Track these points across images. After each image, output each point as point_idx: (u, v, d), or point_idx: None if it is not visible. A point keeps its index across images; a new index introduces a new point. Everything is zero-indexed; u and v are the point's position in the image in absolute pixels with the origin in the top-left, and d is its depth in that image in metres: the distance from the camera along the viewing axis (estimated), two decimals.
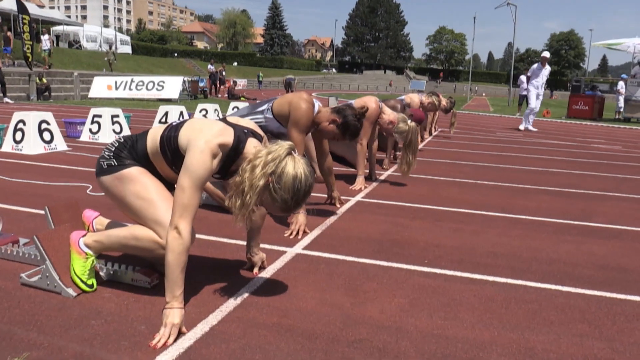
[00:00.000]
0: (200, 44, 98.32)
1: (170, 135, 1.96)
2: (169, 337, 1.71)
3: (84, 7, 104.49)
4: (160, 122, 7.85)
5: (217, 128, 1.90)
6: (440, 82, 72.63)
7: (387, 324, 1.92)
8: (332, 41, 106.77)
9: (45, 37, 19.99)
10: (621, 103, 17.24)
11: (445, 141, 8.70)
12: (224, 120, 2.03)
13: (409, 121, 4.42)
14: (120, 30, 71.11)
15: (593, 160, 7.06)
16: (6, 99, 14.14)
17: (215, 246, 2.74)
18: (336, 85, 57.67)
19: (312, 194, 1.89)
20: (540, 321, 2.01)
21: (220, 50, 70.50)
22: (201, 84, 21.94)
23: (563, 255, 2.83)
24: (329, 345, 1.75)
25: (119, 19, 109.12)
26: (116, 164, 2.03)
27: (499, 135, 10.27)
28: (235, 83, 25.17)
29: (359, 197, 4.10)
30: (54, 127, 5.95)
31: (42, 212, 2.93)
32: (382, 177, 5.06)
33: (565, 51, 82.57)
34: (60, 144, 5.98)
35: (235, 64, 56.59)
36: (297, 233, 2.97)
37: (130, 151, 2.05)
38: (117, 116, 6.97)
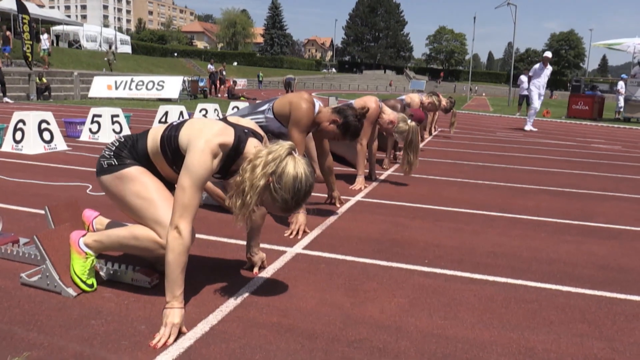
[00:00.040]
0: (200, 44, 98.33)
1: (171, 134, 1.96)
2: (169, 337, 1.71)
3: (83, 7, 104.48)
4: (160, 122, 7.85)
5: (218, 128, 1.90)
6: (441, 82, 72.64)
7: (387, 324, 1.92)
8: (332, 41, 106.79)
9: (44, 37, 19.99)
10: (621, 103, 17.25)
11: (445, 141, 8.70)
12: (224, 120, 2.03)
13: (409, 121, 4.42)
14: (120, 30, 71.09)
15: (593, 160, 7.06)
16: (6, 99, 14.14)
17: (215, 246, 2.74)
18: (336, 85, 57.66)
19: (312, 194, 1.88)
20: (540, 321, 2.01)
21: (220, 50, 70.51)
22: (201, 84, 21.95)
23: (563, 255, 2.83)
24: (329, 345, 1.75)
25: (119, 19, 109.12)
26: (116, 163, 2.03)
27: (499, 135, 10.27)
28: (235, 83, 25.16)
29: (359, 197, 4.10)
30: (53, 126, 5.95)
31: (42, 211, 2.93)
32: (382, 177, 5.06)
33: (565, 51, 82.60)
34: (60, 144, 5.98)
35: (235, 63, 56.59)
36: (297, 233, 2.97)
37: (131, 151, 2.05)
38: (117, 116, 6.97)
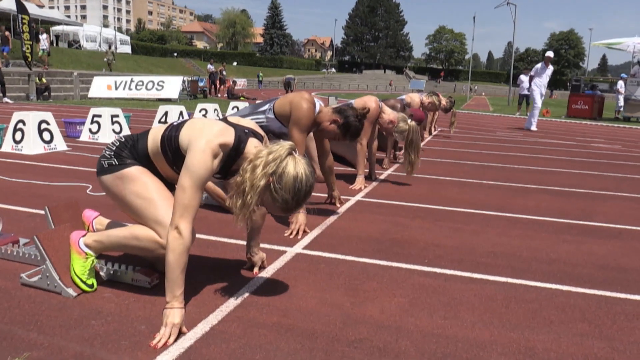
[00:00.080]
0: (200, 44, 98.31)
1: (171, 135, 1.96)
2: (169, 337, 1.71)
3: (83, 7, 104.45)
4: (160, 122, 7.85)
5: (218, 128, 1.90)
6: (441, 81, 72.64)
7: (387, 324, 1.92)
8: (331, 41, 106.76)
9: (43, 37, 19.98)
10: (621, 102, 17.25)
11: (445, 141, 8.70)
12: (224, 120, 2.03)
13: (409, 120, 4.42)
14: (119, 30, 71.05)
15: (593, 160, 7.06)
16: (6, 99, 14.14)
17: (215, 246, 2.74)
18: (336, 84, 57.66)
19: (312, 194, 1.89)
20: (540, 320, 2.01)
21: (219, 50, 70.48)
22: (201, 84, 21.95)
23: (563, 255, 2.83)
24: (329, 345, 1.75)
25: (119, 19, 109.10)
26: (117, 163, 2.03)
27: (499, 135, 10.27)
28: (234, 83, 25.16)
29: (359, 197, 4.10)
30: (53, 127, 5.95)
31: (42, 212, 2.93)
32: (382, 177, 5.06)
33: (565, 50, 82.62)
34: (60, 144, 5.98)
35: (235, 63, 56.57)
36: (297, 233, 2.98)
37: (131, 151, 2.05)
38: (117, 116, 6.97)
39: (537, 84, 11.42)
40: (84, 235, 2.11)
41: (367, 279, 2.37)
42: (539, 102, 11.45)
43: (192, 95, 19.13)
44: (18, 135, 5.71)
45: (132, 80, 17.91)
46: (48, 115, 5.97)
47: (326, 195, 3.77)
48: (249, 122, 2.09)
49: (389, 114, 4.49)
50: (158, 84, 17.66)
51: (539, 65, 11.47)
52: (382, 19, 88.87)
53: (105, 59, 25.92)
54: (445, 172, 5.45)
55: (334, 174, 3.61)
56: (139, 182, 2.00)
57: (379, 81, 65.38)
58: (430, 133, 9.40)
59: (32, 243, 2.37)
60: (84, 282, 2.05)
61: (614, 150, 8.45)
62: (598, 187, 4.99)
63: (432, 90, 7.80)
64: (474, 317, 2.01)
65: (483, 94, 54.43)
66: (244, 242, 2.51)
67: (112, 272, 2.18)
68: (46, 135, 5.84)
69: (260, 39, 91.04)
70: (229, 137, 1.90)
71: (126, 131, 6.97)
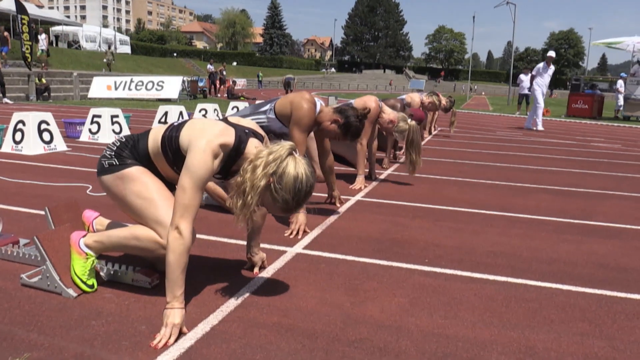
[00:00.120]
0: (200, 44, 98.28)
1: (172, 135, 1.96)
2: (169, 337, 1.71)
3: (83, 7, 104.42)
4: (159, 122, 7.85)
5: (218, 128, 1.90)
6: (441, 81, 72.65)
7: (387, 323, 1.92)
8: (331, 40, 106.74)
9: (42, 37, 19.97)
10: (620, 102, 17.25)
11: (445, 140, 8.70)
12: (225, 120, 2.03)
13: (409, 120, 4.42)
14: (119, 30, 71.06)
15: (593, 159, 7.06)
16: (5, 100, 14.13)
17: (216, 246, 2.74)
18: (335, 84, 57.65)
19: (312, 194, 1.89)
20: (540, 320, 2.01)
21: (219, 50, 70.48)
22: (200, 84, 21.94)
23: (563, 254, 2.83)
24: (330, 345, 1.75)
25: (118, 19, 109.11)
26: (117, 163, 2.03)
27: (499, 135, 10.28)
28: (234, 83, 25.16)
29: (359, 197, 4.10)
30: (53, 127, 5.95)
31: (42, 212, 2.93)
32: (382, 177, 5.06)
33: (564, 50, 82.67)
34: (59, 145, 5.98)
35: (235, 63, 56.58)
36: (297, 232, 2.98)
37: (132, 151, 2.05)
38: (117, 116, 6.97)
39: (539, 83, 11.42)
40: (84, 236, 2.11)
41: (367, 278, 2.37)
42: (541, 101, 11.44)
43: (191, 95, 19.13)
44: (18, 136, 5.71)
45: (131, 81, 17.91)
46: (48, 116, 5.97)
47: (326, 195, 3.77)
48: (249, 123, 2.09)
49: (389, 113, 4.50)
50: (158, 84, 17.65)
51: (540, 64, 11.47)
52: (382, 19, 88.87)
53: (104, 60, 25.92)
54: (445, 172, 5.45)
55: (334, 174, 3.61)
56: (140, 182, 2.00)
57: (378, 81, 65.38)
58: (430, 133, 9.40)
59: (32, 243, 2.37)
60: (84, 283, 2.05)
61: (614, 149, 8.45)
62: (598, 186, 4.99)
63: (432, 90, 7.80)
64: (474, 317, 2.01)
65: (483, 93, 54.45)
66: (244, 242, 2.51)
67: (112, 272, 2.18)
68: (46, 136, 5.84)
69: (259, 39, 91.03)
70: (230, 137, 1.90)
71: (126, 131, 6.97)
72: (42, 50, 19.90)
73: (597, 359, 1.74)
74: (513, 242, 3.02)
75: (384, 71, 78.26)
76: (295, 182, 1.78)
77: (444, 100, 7.82)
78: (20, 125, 5.71)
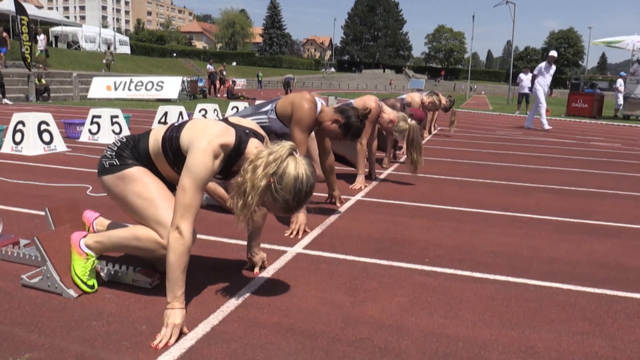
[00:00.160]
0: (199, 44, 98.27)
1: (172, 135, 1.97)
2: (170, 338, 1.71)
3: (82, 8, 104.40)
4: (159, 122, 7.85)
5: (219, 128, 1.90)
6: (441, 80, 72.65)
7: (387, 323, 1.92)
8: (331, 40, 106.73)
9: (40, 38, 19.95)
10: (620, 101, 17.25)
11: (445, 140, 8.70)
12: (225, 120, 2.04)
13: (409, 120, 4.42)
14: (119, 30, 71.06)
15: (592, 158, 7.06)
16: (5, 100, 14.13)
17: (216, 246, 2.74)
18: (335, 84, 57.66)
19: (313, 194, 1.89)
20: (541, 319, 2.01)
21: (219, 50, 70.50)
22: (200, 84, 21.94)
23: (563, 254, 2.83)
24: (330, 345, 1.75)
25: (118, 20, 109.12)
26: (118, 163, 2.03)
27: (499, 134, 10.28)
28: (234, 83, 25.16)
29: (359, 196, 4.10)
30: (53, 128, 5.95)
31: (42, 213, 2.93)
32: (381, 176, 5.06)
33: (564, 49, 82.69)
34: (59, 145, 5.98)
35: (234, 63, 56.57)
36: (298, 232, 2.98)
37: (133, 151, 2.05)
38: (117, 117, 6.97)
39: (541, 83, 11.42)
40: (84, 236, 2.11)
41: (367, 278, 2.37)
42: (543, 101, 11.44)
43: (191, 95, 19.13)
44: (18, 137, 5.71)
45: (131, 81, 17.91)
46: (48, 116, 5.97)
47: (326, 194, 3.77)
48: (249, 123, 2.09)
49: (389, 113, 4.50)
50: (157, 85, 17.65)
51: (542, 64, 11.46)
52: (381, 18, 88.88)
53: (103, 60, 25.91)
54: (445, 171, 5.45)
55: (334, 174, 3.62)
56: (140, 183, 2.00)
57: (378, 80, 65.40)
58: (430, 132, 9.41)
59: (33, 244, 2.37)
60: (85, 283, 2.05)
61: (614, 148, 8.46)
62: (598, 185, 4.99)
63: (432, 90, 7.80)
64: (475, 317, 2.01)
65: (482, 92, 54.46)
66: (245, 242, 2.51)
67: (112, 272, 2.18)
68: (46, 136, 5.84)
69: (259, 39, 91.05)
70: (230, 137, 1.90)
71: (126, 132, 6.97)
72: (41, 50, 19.89)
73: (597, 358, 1.74)
74: (513, 242, 3.02)
75: (384, 71, 78.27)
76: (296, 182, 1.78)
77: (443, 100, 7.82)
78: (20, 126, 5.71)
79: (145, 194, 1.98)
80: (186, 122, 2.01)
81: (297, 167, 1.79)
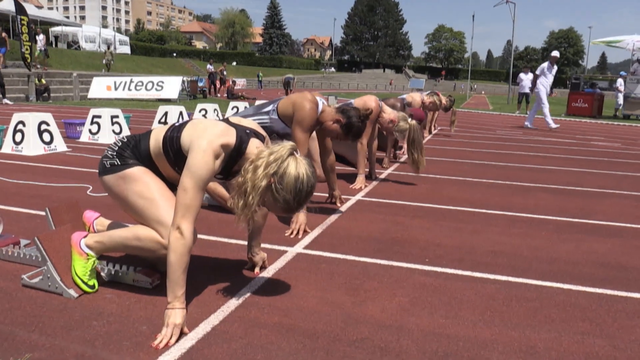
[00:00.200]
0: (199, 44, 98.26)
1: (173, 135, 1.97)
2: (170, 338, 1.71)
3: (82, 8, 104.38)
4: (159, 122, 7.85)
5: (220, 128, 1.90)
6: (441, 80, 72.65)
7: (388, 323, 1.93)
8: (331, 40, 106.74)
9: (39, 38, 19.94)
10: (620, 100, 17.25)
11: (445, 140, 8.71)
12: (226, 120, 2.04)
13: (409, 119, 4.42)
14: (119, 30, 71.09)
15: (592, 158, 7.06)
16: (5, 100, 14.13)
17: (216, 246, 2.74)
18: (335, 84, 57.66)
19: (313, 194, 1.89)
20: (541, 319, 2.01)
21: (219, 50, 70.50)
22: (200, 84, 21.95)
23: (563, 254, 2.83)
24: (331, 345, 1.75)
25: (118, 19, 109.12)
26: (119, 163, 2.03)
27: (499, 134, 10.28)
28: (234, 83, 25.17)
29: (359, 196, 4.10)
30: (53, 128, 5.95)
31: (43, 213, 2.93)
32: (382, 176, 5.06)
33: (564, 49, 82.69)
34: (60, 145, 5.98)
35: (235, 63, 56.58)
36: (298, 232, 2.98)
37: (134, 151, 2.06)
38: (117, 117, 6.97)
39: (544, 83, 11.42)
40: (85, 236, 2.11)
41: (367, 278, 2.37)
42: (546, 101, 11.43)
43: (191, 95, 19.13)
44: (18, 137, 5.71)
45: (131, 81, 17.91)
46: (48, 116, 5.97)
47: (327, 194, 3.77)
48: (250, 123, 2.09)
49: (389, 113, 4.50)
50: (157, 85, 17.65)
51: (544, 65, 11.45)
52: (381, 18, 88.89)
53: (103, 60, 25.90)
54: (446, 171, 5.45)
55: (335, 173, 3.62)
56: (141, 183, 2.00)
57: (378, 80, 65.40)
58: (430, 132, 9.41)
59: (33, 244, 2.37)
60: (85, 283, 2.06)
61: (614, 148, 8.46)
62: (598, 185, 4.99)
63: (432, 90, 7.80)
64: (475, 316, 2.01)
65: (483, 92, 54.47)
66: (245, 242, 2.51)
67: (113, 272, 2.18)
68: (46, 137, 5.85)
69: (259, 39, 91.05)
70: (231, 137, 1.90)
71: (126, 132, 6.97)
72: (40, 50, 19.89)
73: (597, 358, 1.74)
74: (513, 242, 3.02)
75: (384, 70, 78.29)
76: (296, 182, 1.78)
77: (444, 100, 7.83)
78: (20, 126, 5.72)
79: (146, 193, 1.98)
80: (187, 122, 2.01)
81: (297, 167, 1.79)
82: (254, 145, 1.94)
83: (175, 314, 1.75)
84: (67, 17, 58.00)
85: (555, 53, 11.46)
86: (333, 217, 3.41)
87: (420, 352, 1.72)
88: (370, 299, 2.14)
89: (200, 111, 8.90)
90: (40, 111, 7.03)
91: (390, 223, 3.34)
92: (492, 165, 6.10)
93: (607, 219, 3.63)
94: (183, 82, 18.43)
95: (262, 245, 2.56)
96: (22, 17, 17.65)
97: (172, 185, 2.09)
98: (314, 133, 3.39)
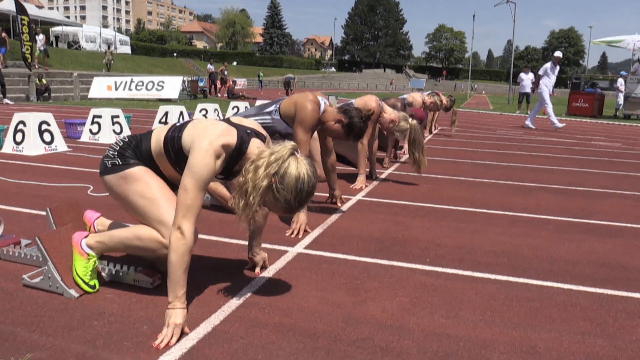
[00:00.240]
0: (200, 44, 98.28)
1: (174, 135, 1.97)
2: (171, 338, 1.71)
3: (82, 8, 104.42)
4: (160, 122, 7.85)
5: (221, 129, 1.90)
6: (441, 80, 72.64)
7: (389, 323, 1.93)
8: (331, 40, 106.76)
9: (39, 37, 19.95)
10: (621, 100, 17.23)
11: (446, 139, 8.70)
12: (227, 120, 2.04)
13: (409, 119, 4.42)
14: (119, 30, 71.13)
15: (593, 158, 7.06)
16: (6, 100, 14.14)
17: (217, 246, 2.74)
18: (336, 84, 57.66)
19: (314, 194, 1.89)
20: (542, 319, 2.01)
21: (219, 50, 70.49)
22: (201, 84, 21.95)
23: (564, 253, 2.83)
24: (331, 345, 1.75)
25: (118, 19, 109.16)
26: (120, 163, 2.04)
27: (499, 133, 10.27)
28: (234, 82, 25.17)
29: (359, 196, 4.10)
30: (54, 128, 5.96)
31: (44, 213, 2.94)
32: (382, 176, 5.06)
33: (565, 48, 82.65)
34: (60, 145, 5.98)
35: (235, 63, 56.58)
36: (298, 232, 2.98)
37: (135, 151, 2.06)
38: (117, 116, 6.97)
39: (547, 84, 11.42)
40: (86, 236, 2.11)
41: (368, 278, 2.37)
42: (549, 101, 11.42)
43: (192, 95, 19.13)
44: (19, 137, 5.71)
45: (132, 81, 17.92)
46: (48, 116, 5.97)
47: (327, 194, 3.77)
48: (251, 123, 2.09)
49: (389, 113, 4.50)
50: (158, 84, 17.66)
51: (547, 65, 11.45)
52: (382, 18, 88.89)
53: (103, 60, 25.90)
54: (446, 171, 5.45)
55: (335, 173, 3.62)
56: (142, 182, 2.00)
57: (378, 80, 65.39)
58: (430, 132, 9.41)
59: (34, 244, 2.37)
60: (86, 283, 2.06)
61: (614, 148, 8.45)
62: (598, 185, 4.99)
63: (432, 90, 7.80)
64: (476, 316, 2.01)
65: (483, 92, 54.48)
66: (246, 242, 2.51)
67: (114, 272, 2.18)
68: (47, 136, 5.85)
69: (259, 39, 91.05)
70: (232, 137, 1.90)
71: (127, 132, 6.97)
72: (40, 50, 19.90)
73: (598, 358, 1.74)
74: (514, 241, 3.02)
75: (384, 70, 78.25)
76: (297, 183, 1.78)
77: (445, 100, 7.82)
78: (20, 126, 5.72)
79: (147, 193, 1.98)
80: (188, 122, 2.01)
81: (298, 167, 1.79)
82: (254, 145, 1.94)
83: (176, 314, 1.75)
84: (68, 17, 58.02)
85: (558, 53, 11.46)
86: (333, 217, 3.41)
87: (420, 352, 1.72)
88: (370, 299, 2.14)
89: (200, 111, 8.90)
90: (41, 111, 7.03)
91: (390, 223, 3.34)
92: (493, 165, 6.10)
93: (607, 219, 3.63)
94: (183, 82, 18.44)
95: (263, 245, 2.56)
96: (23, 17, 17.67)
97: (173, 185, 2.09)
98: (315, 133, 3.40)
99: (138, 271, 2.16)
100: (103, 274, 2.18)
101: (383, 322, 1.93)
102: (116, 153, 2.06)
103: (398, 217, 3.49)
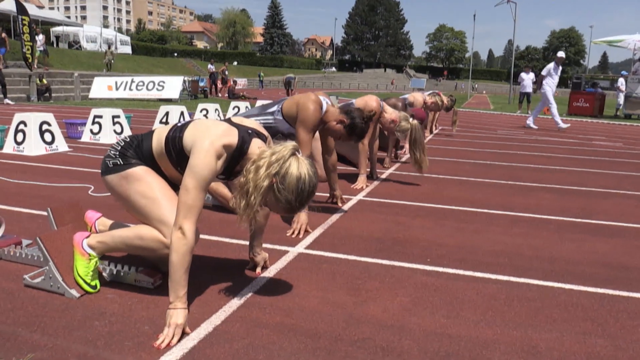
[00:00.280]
0: (200, 44, 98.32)
1: (175, 135, 1.97)
2: (172, 338, 1.71)
3: (83, 8, 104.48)
4: (161, 122, 7.86)
5: (222, 129, 1.90)
6: (442, 79, 72.62)
7: (389, 323, 1.93)
8: (332, 40, 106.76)
9: (39, 38, 19.95)
10: (621, 100, 17.22)
11: (446, 139, 8.70)
12: (228, 120, 2.04)
13: (410, 119, 4.42)
14: (120, 30, 71.14)
15: (594, 158, 7.06)
16: (7, 100, 14.15)
17: (218, 246, 2.74)
18: (336, 84, 57.66)
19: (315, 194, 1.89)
20: (543, 319, 2.01)
21: (220, 50, 70.49)
22: (201, 84, 21.96)
23: (565, 253, 2.83)
24: (332, 344, 1.75)
25: (119, 19, 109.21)
26: (122, 163, 2.04)
27: (500, 133, 10.27)
28: (235, 82, 25.17)
29: (360, 196, 4.10)
30: (55, 128, 5.96)
31: (45, 213, 2.94)
32: (383, 176, 5.06)
33: (565, 48, 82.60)
34: (61, 145, 5.99)
35: (235, 63, 56.59)
36: (299, 232, 2.98)
37: (136, 151, 2.06)
38: (118, 117, 6.97)
39: (550, 84, 11.41)
40: (87, 236, 2.11)
41: (369, 278, 2.37)
42: (553, 101, 11.42)
43: (192, 95, 19.14)
44: (19, 137, 5.72)
45: (132, 81, 17.93)
46: (49, 116, 5.97)
47: (328, 194, 3.77)
48: (252, 123, 2.09)
49: (390, 113, 4.49)
50: (159, 84, 17.67)
51: (551, 65, 11.44)
52: (382, 18, 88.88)
53: (104, 60, 25.91)
54: (447, 171, 5.45)
55: (336, 173, 3.62)
56: (144, 182, 2.00)
57: (379, 80, 65.38)
58: (431, 132, 9.41)
59: (35, 244, 2.37)
60: (87, 283, 2.06)
61: (615, 148, 8.45)
62: (599, 185, 4.98)
63: (433, 90, 7.80)
64: (477, 316, 2.01)
65: (484, 92, 54.44)
66: (247, 242, 2.51)
67: (115, 273, 2.18)
68: (47, 137, 5.85)
69: (260, 39, 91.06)
70: (233, 137, 1.90)
71: (127, 132, 6.98)
72: (40, 50, 19.90)
73: (599, 358, 1.74)
74: (515, 241, 3.02)
75: (385, 70, 78.24)
76: (298, 183, 1.78)
77: (445, 100, 7.83)
78: (21, 126, 5.72)
79: (148, 193, 1.98)
80: (189, 122, 2.01)
81: (299, 168, 1.79)
82: (255, 146, 1.94)
83: (177, 314, 1.75)
84: (68, 17, 58.03)
85: (561, 54, 11.47)
86: (334, 217, 3.41)
87: (421, 352, 1.72)
88: (371, 299, 2.14)
89: (201, 111, 8.90)
90: (42, 111, 7.04)
91: (391, 223, 3.34)
92: (494, 165, 6.09)
93: (608, 219, 3.63)
94: (184, 82, 18.45)
95: (264, 245, 2.56)
96: (24, 17, 17.67)
97: (175, 186, 2.09)
98: (316, 133, 3.40)
99: (139, 271, 2.16)
100: (104, 274, 2.18)
101: (384, 322, 1.93)
102: (117, 153, 2.07)
103: (399, 217, 3.49)
